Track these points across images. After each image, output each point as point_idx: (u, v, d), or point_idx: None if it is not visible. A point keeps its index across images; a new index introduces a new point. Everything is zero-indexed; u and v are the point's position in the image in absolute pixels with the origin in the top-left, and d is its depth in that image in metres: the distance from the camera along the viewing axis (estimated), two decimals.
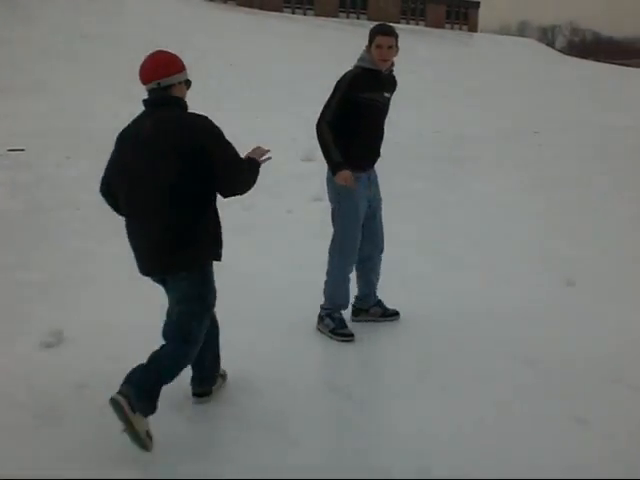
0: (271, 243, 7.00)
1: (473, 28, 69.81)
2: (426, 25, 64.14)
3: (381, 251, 5.04)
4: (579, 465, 3.42)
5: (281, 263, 6.38)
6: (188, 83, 3.71)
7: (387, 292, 5.18)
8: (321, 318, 4.87)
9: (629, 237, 7.34)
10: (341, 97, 4.60)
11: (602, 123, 14.76)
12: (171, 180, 3.44)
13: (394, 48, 4.63)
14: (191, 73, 3.73)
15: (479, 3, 70.68)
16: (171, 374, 3.54)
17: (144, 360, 3.50)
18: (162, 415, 3.53)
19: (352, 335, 4.76)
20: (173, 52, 3.71)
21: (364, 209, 4.80)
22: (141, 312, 4.93)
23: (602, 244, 7.09)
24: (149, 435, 3.37)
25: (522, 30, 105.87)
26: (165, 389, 3.48)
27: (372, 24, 5.09)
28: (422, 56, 34.54)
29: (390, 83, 4.83)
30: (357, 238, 4.79)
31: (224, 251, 3.74)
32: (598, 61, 61.02)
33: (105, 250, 6.53)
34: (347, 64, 4.80)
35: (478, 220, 8.05)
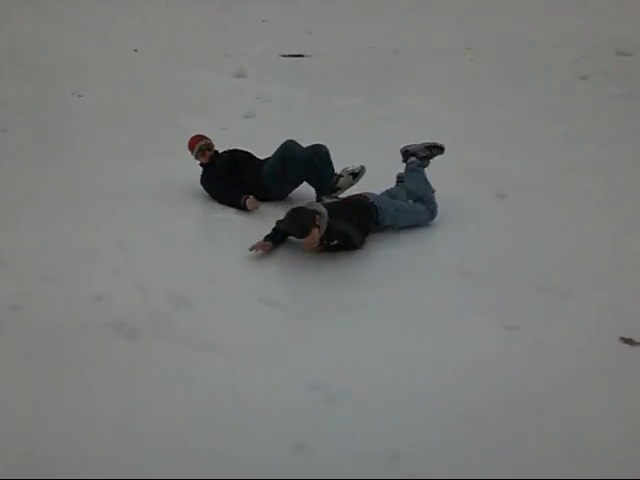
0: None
1: None
2: None
3: None
4: (510, 370, 3.56)
5: None
6: None
7: None
8: None
9: (559, 151, 7.47)
10: None
11: (534, 40, 14.74)
12: None
13: None
14: None
15: None
16: None
17: (80, 281, 3.52)
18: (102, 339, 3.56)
19: None
20: None
21: None
22: (77, 233, 4.88)
23: (532, 158, 7.19)
24: None
25: None
26: None
27: None
28: None
29: None
30: None
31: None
32: None
33: (40, 174, 6.41)
34: None
35: (410, 135, 8.05)
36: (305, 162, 5.58)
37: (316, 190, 5.68)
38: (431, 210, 5.36)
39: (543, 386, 3.45)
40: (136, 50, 14.70)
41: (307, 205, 4.78)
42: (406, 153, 5.82)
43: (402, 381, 3.47)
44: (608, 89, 10.82)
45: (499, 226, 5.36)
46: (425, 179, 5.63)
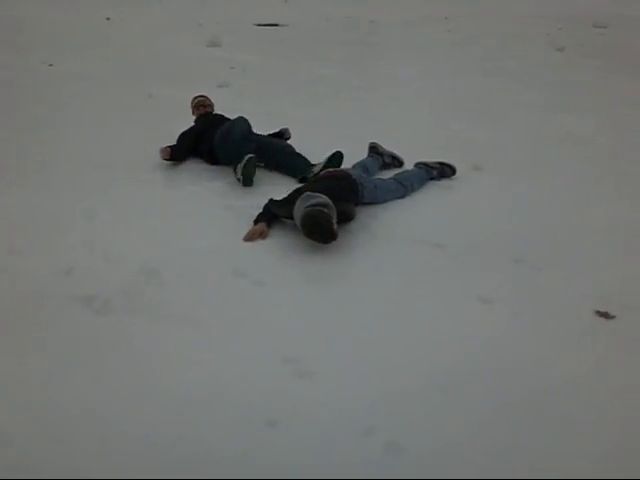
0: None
1: None
2: None
3: None
4: (486, 343, 3.53)
5: None
6: None
7: None
8: None
9: (535, 122, 7.44)
10: None
11: (510, 11, 14.71)
12: None
13: None
14: None
15: None
16: None
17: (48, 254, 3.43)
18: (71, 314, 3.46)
19: None
20: None
21: None
22: (45, 205, 4.79)
23: (509, 128, 7.18)
24: None
25: None
26: None
27: None
28: None
29: None
30: None
31: None
32: None
33: (6, 145, 6.29)
34: None
35: (388, 104, 8.01)
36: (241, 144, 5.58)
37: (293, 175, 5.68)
38: (405, 188, 5.33)
39: (520, 358, 3.42)
40: (108, 19, 14.49)
41: (312, 204, 4.45)
42: (418, 164, 5.75)
43: (375, 353, 3.43)
44: (584, 61, 10.83)
45: (475, 199, 5.32)
46: (420, 178, 5.56)
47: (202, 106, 6.45)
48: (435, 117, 7.55)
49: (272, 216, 4.79)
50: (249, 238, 4.62)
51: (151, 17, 14.45)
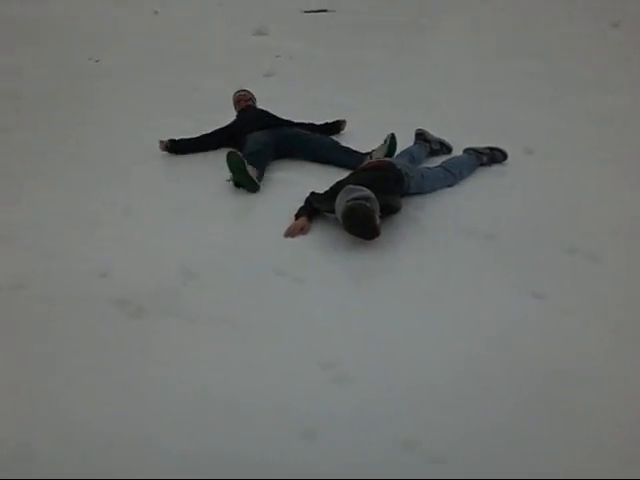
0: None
1: None
2: None
3: None
4: (537, 343, 3.32)
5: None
6: None
7: None
8: None
9: (589, 102, 7.10)
10: None
11: None
12: None
13: None
14: None
15: None
16: None
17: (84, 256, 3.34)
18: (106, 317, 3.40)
19: None
20: None
21: None
22: (83, 204, 4.74)
23: (562, 109, 6.85)
24: None
25: None
26: None
27: None
28: None
29: None
30: None
31: None
32: None
33: (50, 143, 6.26)
34: None
35: (435, 89, 7.75)
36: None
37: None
38: (453, 176, 5.11)
39: (573, 361, 3.21)
40: (156, 12, 14.44)
41: (354, 198, 4.27)
42: (467, 150, 5.51)
43: (419, 358, 3.26)
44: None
45: (527, 185, 5.07)
46: (471, 163, 5.33)
47: (242, 100, 6.36)
48: (484, 100, 7.26)
49: (313, 210, 4.63)
50: (290, 233, 4.47)
51: (199, 8, 14.34)
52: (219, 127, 6.01)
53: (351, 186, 4.38)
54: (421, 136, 5.69)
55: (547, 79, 8.09)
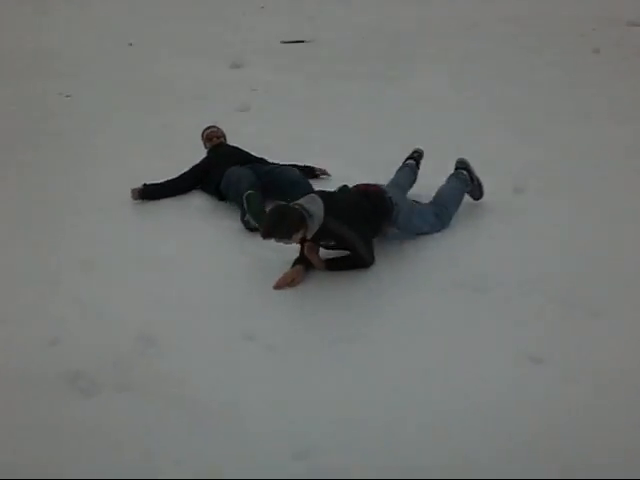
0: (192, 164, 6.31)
1: None
2: None
3: None
4: (531, 416, 2.97)
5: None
6: None
7: None
8: None
9: (578, 133, 6.80)
10: None
11: (540, 13, 14.03)
12: None
13: None
14: None
15: None
16: None
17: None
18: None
19: None
20: None
21: None
22: (37, 257, 4.37)
23: (550, 142, 6.54)
24: None
25: None
26: None
27: None
28: None
29: None
30: None
31: None
32: None
33: (3, 185, 5.88)
34: None
35: (419, 121, 7.44)
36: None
37: None
38: (442, 222, 4.77)
39: (573, 439, 2.85)
40: (131, 44, 14.15)
41: (300, 201, 4.14)
42: (462, 163, 5.18)
43: (399, 432, 2.90)
44: (621, 62, 10.15)
45: (517, 229, 4.73)
46: (460, 197, 4.98)
47: (215, 137, 6.03)
48: (469, 132, 6.96)
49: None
50: (278, 285, 4.16)
51: (175, 40, 14.05)
52: (189, 168, 5.68)
53: (313, 195, 4.21)
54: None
55: (532, 107, 7.82)
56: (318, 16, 14.85)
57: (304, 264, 4.28)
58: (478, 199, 5.16)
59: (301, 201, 4.14)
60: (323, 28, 14.15)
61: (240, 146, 5.88)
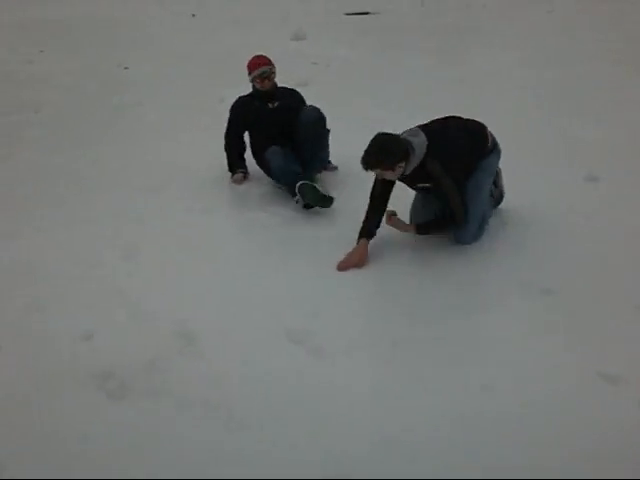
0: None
1: None
2: None
3: None
4: (614, 439, 2.63)
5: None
6: None
7: None
8: None
9: None
10: None
11: None
12: None
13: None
14: None
15: None
16: None
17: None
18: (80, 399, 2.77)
19: None
20: None
21: None
22: (83, 242, 4.20)
23: (628, 125, 6.09)
24: None
25: None
26: None
27: None
28: None
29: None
30: None
31: None
32: None
33: (61, 164, 5.74)
34: None
35: (483, 100, 7.02)
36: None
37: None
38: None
39: None
40: (194, 15, 13.95)
41: (404, 133, 3.95)
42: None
43: (453, 449, 2.61)
44: None
45: (589, 223, 4.34)
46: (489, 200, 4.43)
47: (268, 79, 5.14)
48: (539, 114, 6.54)
49: (376, 226, 4.10)
50: (343, 267, 3.92)
51: (238, 12, 13.79)
52: (231, 125, 5.31)
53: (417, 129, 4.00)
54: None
55: (608, 90, 7.31)
56: None
57: (369, 237, 4.03)
58: (494, 207, 4.58)
59: (405, 133, 3.95)
60: None
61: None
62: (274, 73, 5.18)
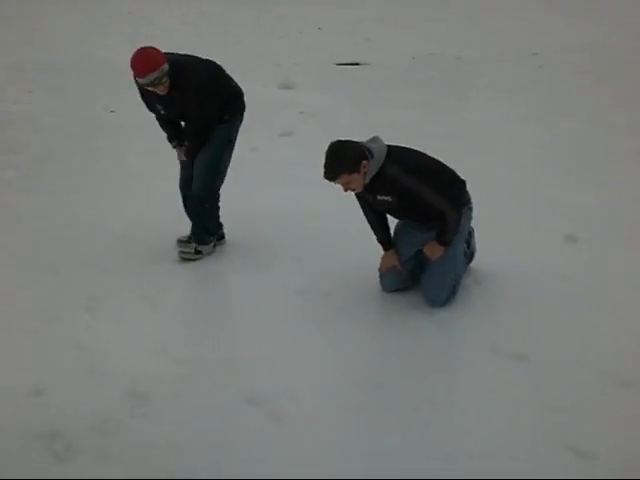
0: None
1: None
2: None
3: None
4: None
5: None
6: None
7: None
8: None
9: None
10: None
11: (601, 45, 13.41)
12: None
13: None
14: None
15: None
16: None
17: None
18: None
19: None
20: None
21: None
22: (44, 294, 4.05)
23: (613, 186, 6.00)
24: None
25: None
26: None
27: None
28: None
29: None
30: None
31: None
32: None
33: (27, 207, 5.61)
34: None
35: (467, 156, 6.96)
36: None
37: None
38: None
39: None
40: None
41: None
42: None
43: None
44: None
45: (565, 285, 4.23)
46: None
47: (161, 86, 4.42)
48: (522, 172, 6.47)
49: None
50: (385, 270, 4.05)
51: (228, 58, 13.80)
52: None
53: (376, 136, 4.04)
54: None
55: (595, 147, 7.27)
56: (375, 38, 14.50)
57: (390, 245, 4.08)
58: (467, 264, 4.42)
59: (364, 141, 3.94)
60: (379, 51, 13.79)
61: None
62: (165, 75, 4.34)
